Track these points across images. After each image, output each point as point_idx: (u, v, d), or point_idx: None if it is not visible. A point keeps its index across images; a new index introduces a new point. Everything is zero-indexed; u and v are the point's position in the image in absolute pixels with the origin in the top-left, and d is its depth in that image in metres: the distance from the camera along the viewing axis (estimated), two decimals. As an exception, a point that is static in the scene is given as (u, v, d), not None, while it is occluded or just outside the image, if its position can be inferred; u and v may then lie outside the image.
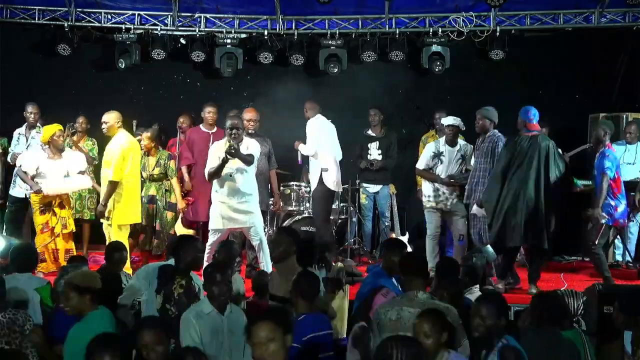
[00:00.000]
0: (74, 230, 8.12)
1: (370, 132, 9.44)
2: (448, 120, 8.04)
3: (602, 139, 7.38)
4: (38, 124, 8.91)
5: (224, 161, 7.11)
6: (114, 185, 7.54)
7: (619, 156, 8.63)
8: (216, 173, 7.24)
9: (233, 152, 7.04)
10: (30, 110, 9.00)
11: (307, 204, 8.96)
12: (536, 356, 4.29)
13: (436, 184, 8.00)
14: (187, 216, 8.42)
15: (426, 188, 8.13)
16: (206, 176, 7.39)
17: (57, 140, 7.87)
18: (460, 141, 8.12)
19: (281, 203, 9.02)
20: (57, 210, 7.90)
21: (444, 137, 8.15)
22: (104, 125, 7.79)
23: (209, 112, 8.68)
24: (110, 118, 7.75)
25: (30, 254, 6.16)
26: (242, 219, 7.32)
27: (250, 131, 8.10)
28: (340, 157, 8.42)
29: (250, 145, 7.35)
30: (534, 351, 4.30)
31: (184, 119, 9.04)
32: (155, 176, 8.41)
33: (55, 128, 7.92)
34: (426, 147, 8.37)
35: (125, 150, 7.61)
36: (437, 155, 8.04)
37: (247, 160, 7.18)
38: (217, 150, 7.35)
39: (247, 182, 7.32)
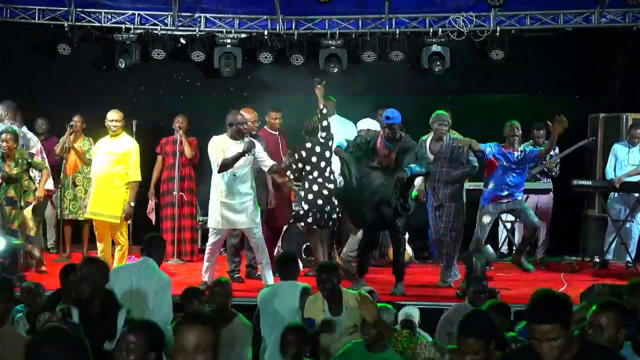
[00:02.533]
0: None
1: None
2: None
3: None
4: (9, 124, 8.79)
5: (242, 155, 7.06)
6: (138, 185, 7.88)
7: (622, 157, 8.68)
8: (234, 161, 7.10)
9: (249, 150, 7.08)
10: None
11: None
12: None
13: None
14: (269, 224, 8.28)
15: None
16: (217, 168, 7.18)
17: None
18: None
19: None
20: None
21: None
22: (116, 124, 7.85)
23: (274, 118, 8.67)
24: (121, 117, 7.90)
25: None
26: (241, 219, 7.28)
27: (253, 132, 8.10)
28: None
29: (256, 146, 7.33)
30: None
31: (182, 119, 9.08)
32: (13, 176, 7.89)
33: None
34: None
35: (139, 152, 7.95)
36: None
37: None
38: (218, 142, 7.25)
39: (247, 183, 7.31)
